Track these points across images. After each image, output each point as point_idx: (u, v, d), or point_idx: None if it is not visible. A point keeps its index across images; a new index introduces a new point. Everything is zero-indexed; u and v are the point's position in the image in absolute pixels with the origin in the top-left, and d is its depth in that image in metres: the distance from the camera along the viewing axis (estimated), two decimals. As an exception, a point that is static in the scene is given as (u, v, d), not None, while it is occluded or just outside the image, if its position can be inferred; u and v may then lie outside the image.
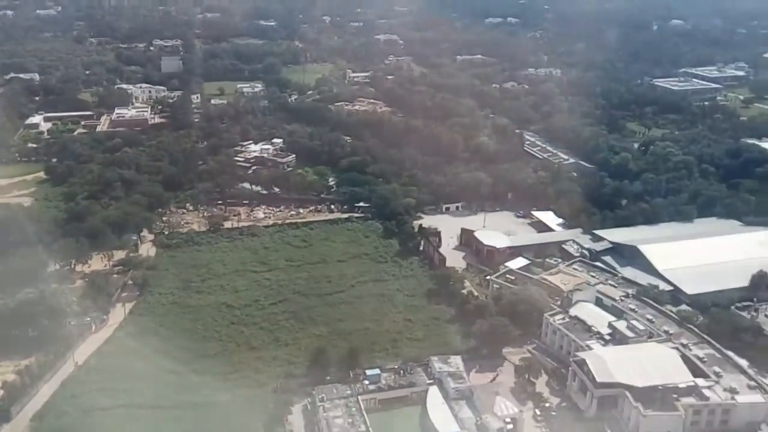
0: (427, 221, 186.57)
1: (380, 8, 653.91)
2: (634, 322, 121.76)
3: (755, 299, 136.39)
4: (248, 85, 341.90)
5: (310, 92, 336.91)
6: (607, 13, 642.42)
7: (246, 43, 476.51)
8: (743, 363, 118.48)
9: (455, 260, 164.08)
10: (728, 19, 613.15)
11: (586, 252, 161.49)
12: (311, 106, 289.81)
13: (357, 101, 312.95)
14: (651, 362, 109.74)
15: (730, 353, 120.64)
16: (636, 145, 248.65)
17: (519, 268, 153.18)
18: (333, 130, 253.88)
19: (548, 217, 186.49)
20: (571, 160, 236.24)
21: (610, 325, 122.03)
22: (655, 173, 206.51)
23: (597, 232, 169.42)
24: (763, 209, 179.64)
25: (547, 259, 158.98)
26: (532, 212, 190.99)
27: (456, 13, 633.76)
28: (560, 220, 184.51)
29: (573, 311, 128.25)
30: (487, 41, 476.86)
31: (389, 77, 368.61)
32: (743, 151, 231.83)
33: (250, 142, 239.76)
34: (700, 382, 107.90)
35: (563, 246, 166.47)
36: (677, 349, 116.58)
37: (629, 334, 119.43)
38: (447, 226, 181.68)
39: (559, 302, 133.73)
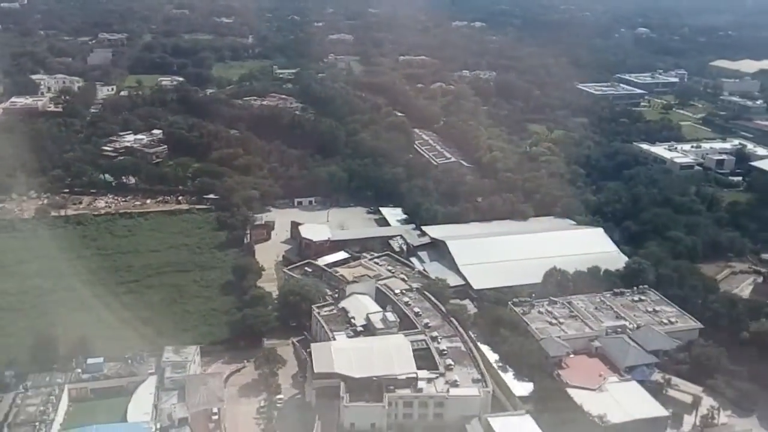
0: (275, 215, 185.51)
1: (352, 10, 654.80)
2: (389, 315, 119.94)
3: (533, 295, 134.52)
4: (169, 78, 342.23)
5: (228, 87, 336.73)
6: (577, 20, 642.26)
7: (193, 38, 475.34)
8: (493, 357, 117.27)
9: (278, 252, 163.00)
10: (696, 28, 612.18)
11: (404, 247, 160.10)
12: (210, 100, 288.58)
13: (269, 96, 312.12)
14: (381, 353, 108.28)
15: (485, 347, 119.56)
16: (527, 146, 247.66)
17: (335, 262, 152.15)
18: (229, 123, 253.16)
19: (393, 213, 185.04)
20: (452, 159, 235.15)
21: (366, 317, 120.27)
22: (519, 173, 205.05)
23: (424, 227, 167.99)
24: (600, 208, 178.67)
25: (364, 254, 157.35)
26: (380, 208, 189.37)
27: (425, 16, 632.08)
28: (404, 216, 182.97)
29: (343, 303, 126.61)
30: (437, 43, 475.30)
31: (320, 75, 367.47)
32: (619, 154, 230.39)
33: (130, 132, 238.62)
34: (423, 374, 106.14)
35: (390, 241, 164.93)
36: (425, 341, 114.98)
37: (380, 325, 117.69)
38: (290, 219, 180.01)
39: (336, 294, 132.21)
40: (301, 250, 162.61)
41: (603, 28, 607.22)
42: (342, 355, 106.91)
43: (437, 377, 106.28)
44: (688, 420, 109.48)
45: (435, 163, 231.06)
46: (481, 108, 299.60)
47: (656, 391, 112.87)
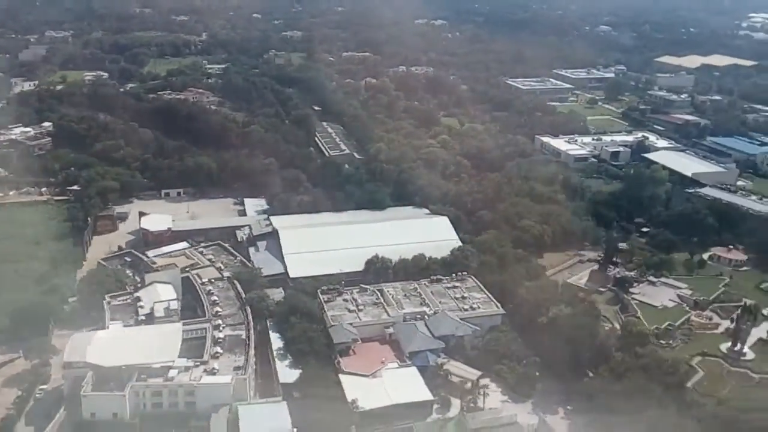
0: (137, 206, 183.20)
1: (319, 8, 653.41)
2: (172, 304, 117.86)
3: (342, 282, 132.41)
4: (94, 74, 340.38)
5: (152, 81, 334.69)
6: (542, 18, 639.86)
7: (135, 35, 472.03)
8: (278, 345, 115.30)
9: (120, 243, 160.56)
10: (658, 25, 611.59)
11: (244, 237, 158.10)
12: (117, 94, 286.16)
13: (186, 91, 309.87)
14: (145, 343, 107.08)
15: (276, 335, 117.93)
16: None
17: (170, 252, 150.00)
18: (131, 116, 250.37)
19: (255, 204, 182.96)
20: (346, 152, 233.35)
21: (152, 307, 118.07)
22: (395, 164, 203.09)
23: (272, 217, 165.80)
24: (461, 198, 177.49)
25: (202, 244, 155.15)
26: (244, 199, 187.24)
27: (392, 13, 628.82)
28: (266, 207, 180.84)
29: (140, 292, 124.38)
30: (388, 40, 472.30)
31: (254, 70, 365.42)
32: (509, 146, 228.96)
33: (19, 125, 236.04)
34: (181, 362, 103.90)
35: (237, 231, 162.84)
36: (205, 330, 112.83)
37: (160, 314, 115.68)
38: (154, 210, 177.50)
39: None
40: (144, 240, 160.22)
41: (566, 26, 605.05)
42: (99, 344, 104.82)
43: (197, 366, 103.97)
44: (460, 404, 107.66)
45: (327, 155, 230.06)
46: (400, 102, 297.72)
47: (436, 376, 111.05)
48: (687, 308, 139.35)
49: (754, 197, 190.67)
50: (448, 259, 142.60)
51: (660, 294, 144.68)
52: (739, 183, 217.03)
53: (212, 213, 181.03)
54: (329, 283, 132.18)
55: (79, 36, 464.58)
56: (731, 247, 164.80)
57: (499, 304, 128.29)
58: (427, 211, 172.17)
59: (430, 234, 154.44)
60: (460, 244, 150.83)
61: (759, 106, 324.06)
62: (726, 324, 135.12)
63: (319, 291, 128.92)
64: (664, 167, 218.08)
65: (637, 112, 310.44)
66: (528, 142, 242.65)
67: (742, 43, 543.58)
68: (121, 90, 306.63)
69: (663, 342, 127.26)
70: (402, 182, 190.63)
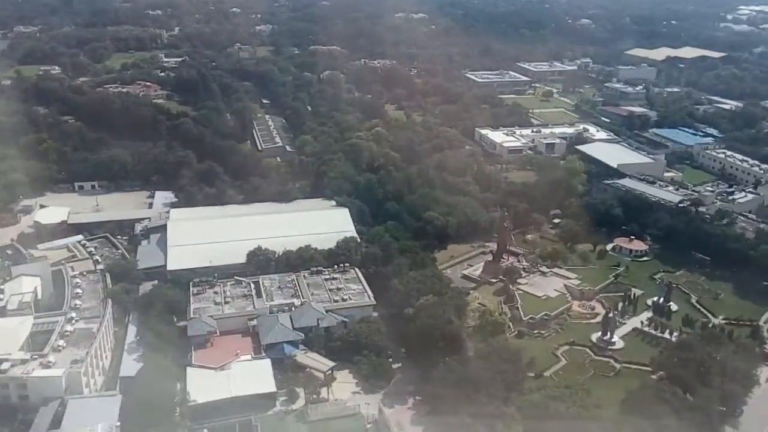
0: (51, 199, 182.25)
1: (303, 2, 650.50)
2: (26, 296, 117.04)
3: (216, 275, 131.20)
4: (49, 68, 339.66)
5: (108, 75, 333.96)
6: (525, 12, 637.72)
7: (111, 29, 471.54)
8: (131, 338, 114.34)
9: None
10: (639, 18, 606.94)
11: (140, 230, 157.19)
12: (60, 88, 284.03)
13: (135, 84, 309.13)
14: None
15: (134, 328, 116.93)
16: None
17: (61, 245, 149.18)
18: (70, 110, 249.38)
19: (164, 196, 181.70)
20: (279, 144, 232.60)
21: (7, 299, 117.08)
22: (317, 156, 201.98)
23: (172, 210, 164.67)
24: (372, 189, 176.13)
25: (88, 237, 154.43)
26: (156, 191, 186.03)
27: (371, 7, 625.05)
28: (175, 199, 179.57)
29: (6, 285, 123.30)
30: (359, 33, 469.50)
31: (213, 63, 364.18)
32: (438, 138, 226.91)
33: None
34: (19, 355, 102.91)
35: (136, 224, 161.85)
36: (55, 323, 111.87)
37: (13, 307, 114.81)
38: (66, 203, 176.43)
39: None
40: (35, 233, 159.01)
41: (547, 19, 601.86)
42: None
43: (34, 359, 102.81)
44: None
45: (260, 148, 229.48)
46: (347, 95, 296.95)
47: (289, 368, 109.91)
48: (569, 298, 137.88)
49: (671, 188, 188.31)
50: (333, 250, 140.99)
51: (548, 284, 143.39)
52: (670, 174, 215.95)
53: (123, 205, 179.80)
54: (206, 276, 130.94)
55: (48, 30, 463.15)
56: (632, 237, 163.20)
57: (371, 295, 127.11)
58: (334, 203, 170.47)
59: (327, 226, 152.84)
60: (355, 235, 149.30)
61: (715, 98, 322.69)
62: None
63: (191, 283, 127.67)
64: (592, 158, 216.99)
65: (588, 104, 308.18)
66: (468, 135, 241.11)
67: (721, 35, 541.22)
68: (71, 84, 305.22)
69: (535, 331, 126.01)
70: (319, 174, 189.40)
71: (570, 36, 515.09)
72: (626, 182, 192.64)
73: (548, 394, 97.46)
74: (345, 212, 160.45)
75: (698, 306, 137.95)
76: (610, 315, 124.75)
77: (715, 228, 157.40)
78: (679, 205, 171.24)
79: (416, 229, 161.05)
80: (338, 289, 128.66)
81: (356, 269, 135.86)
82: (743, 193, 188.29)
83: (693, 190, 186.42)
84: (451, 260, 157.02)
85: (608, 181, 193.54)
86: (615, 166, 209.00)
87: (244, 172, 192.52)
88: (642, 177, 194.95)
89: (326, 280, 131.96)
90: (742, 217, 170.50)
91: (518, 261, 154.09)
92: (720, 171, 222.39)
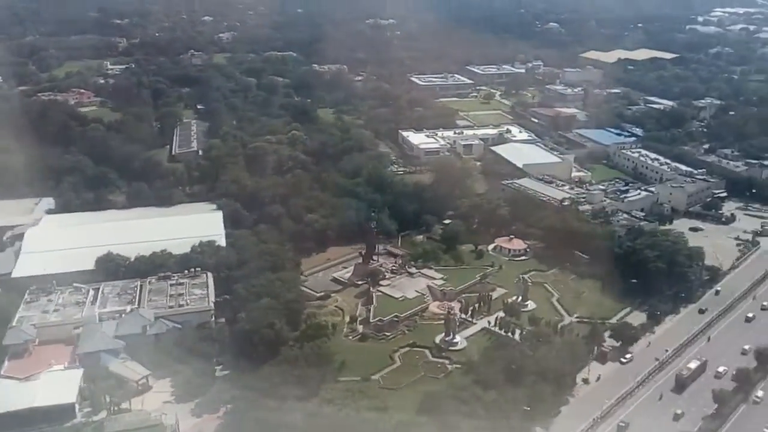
0: None
1: (275, 9, 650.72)
2: None
3: (54, 282, 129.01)
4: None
5: (47, 84, 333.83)
6: (496, 17, 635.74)
7: (74, 39, 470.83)
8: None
9: None
10: (606, 21, 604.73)
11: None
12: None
13: (70, 92, 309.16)
14: None
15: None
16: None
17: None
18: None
19: (48, 203, 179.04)
20: (194, 149, 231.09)
21: None
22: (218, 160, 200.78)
23: (47, 216, 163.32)
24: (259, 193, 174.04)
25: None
26: (42, 198, 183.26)
27: (345, 13, 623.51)
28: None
29: None
30: (321, 39, 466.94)
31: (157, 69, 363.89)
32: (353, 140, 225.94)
33: None
34: None
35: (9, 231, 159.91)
36: None
37: None
38: None
39: None
40: None
41: (515, 24, 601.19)
42: None
43: None
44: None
45: (173, 153, 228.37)
46: (287, 100, 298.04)
47: (103, 377, 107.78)
48: (428, 299, 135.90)
49: (567, 187, 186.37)
50: (187, 255, 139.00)
51: (412, 285, 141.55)
52: (580, 173, 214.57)
53: (7, 213, 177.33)
54: (50, 283, 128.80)
55: (7, 40, 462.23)
56: (512, 237, 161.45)
57: (212, 301, 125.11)
58: (215, 207, 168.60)
59: (194, 230, 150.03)
60: (219, 240, 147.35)
61: (652, 98, 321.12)
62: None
63: (27, 291, 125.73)
64: (502, 159, 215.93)
65: (523, 106, 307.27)
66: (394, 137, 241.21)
67: (683, 36, 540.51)
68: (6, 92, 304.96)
69: (380, 334, 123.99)
70: (211, 178, 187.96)
71: (533, 40, 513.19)
72: (525, 182, 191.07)
73: (336, 397, 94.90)
74: (218, 216, 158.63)
75: (556, 305, 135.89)
76: (451, 316, 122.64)
77: (590, 227, 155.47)
78: (563, 203, 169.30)
79: (294, 232, 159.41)
80: (180, 294, 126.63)
81: (208, 274, 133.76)
82: (637, 192, 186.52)
83: (587, 190, 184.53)
84: (327, 263, 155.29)
85: (506, 182, 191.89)
86: (521, 166, 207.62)
87: (141, 177, 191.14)
88: (541, 177, 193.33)
89: (172, 285, 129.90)
90: (628, 215, 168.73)
91: (395, 263, 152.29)
92: (633, 170, 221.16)
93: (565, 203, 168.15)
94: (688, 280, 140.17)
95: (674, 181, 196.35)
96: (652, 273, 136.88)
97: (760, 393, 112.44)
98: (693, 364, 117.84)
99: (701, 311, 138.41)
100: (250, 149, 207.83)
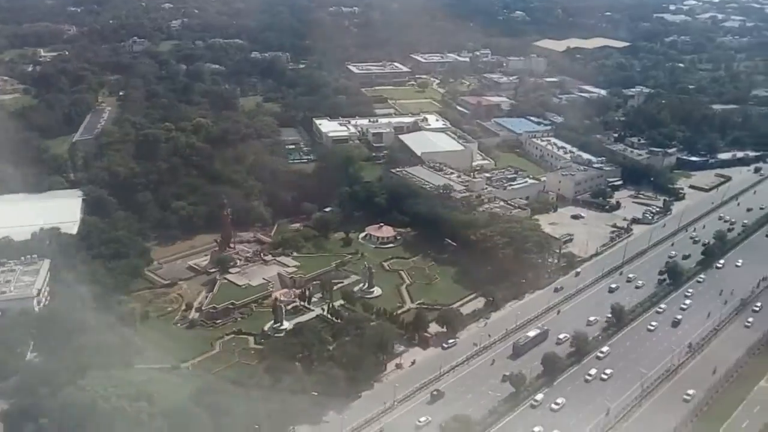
0: None
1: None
2: None
3: None
4: None
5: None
6: (464, 4, 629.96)
7: (29, 26, 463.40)
8: None
9: None
10: (574, 10, 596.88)
11: None
12: None
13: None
14: None
15: None
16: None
17: None
18: None
19: None
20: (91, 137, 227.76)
21: None
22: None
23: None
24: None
25: None
26: None
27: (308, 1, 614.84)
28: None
29: None
30: (266, 26, 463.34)
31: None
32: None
33: None
34: None
35: None
36: None
37: None
38: None
39: None
40: None
41: (478, 13, 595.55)
42: None
43: None
44: None
45: (74, 140, 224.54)
46: (212, 87, 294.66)
47: None
48: (271, 287, 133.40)
49: (454, 176, 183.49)
50: (27, 242, 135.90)
51: (262, 273, 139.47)
52: (484, 162, 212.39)
53: None
54: None
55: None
56: (381, 224, 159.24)
57: (38, 288, 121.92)
58: (81, 193, 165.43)
59: (47, 217, 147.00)
60: (70, 227, 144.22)
61: (587, 87, 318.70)
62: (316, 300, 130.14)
63: None
64: (406, 147, 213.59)
65: (452, 95, 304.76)
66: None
67: (646, 25, 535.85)
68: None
69: (209, 321, 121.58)
70: (89, 165, 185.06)
71: (495, 27, 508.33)
72: (415, 170, 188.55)
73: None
74: (77, 203, 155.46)
75: (404, 291, 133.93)
76: (279, 303, 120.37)
77: (454, 215, 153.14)
78: (442, 191, 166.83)
79: (160, 219, 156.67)
80: (7, 281, 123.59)
81: (45, 261, 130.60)
82: (524, 180, 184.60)
83: (471, 178, 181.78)
84: (190, 250, 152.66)
85: (396, 170, 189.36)
86: (419, 154, 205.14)
87: (22, 164, 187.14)
88: (432, 165, 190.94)
89: (2, 272, 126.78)
90: (505, 203, 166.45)
91: (254, 250, 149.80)
92: (540, 158, 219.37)
93: (441, 192, 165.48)
94: (536, 267, 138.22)
95: (567, 169, 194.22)
96: (500, 260, 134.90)
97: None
98: (532, 333, 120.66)
99: (556, 290, 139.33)
100: (140, 136, 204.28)
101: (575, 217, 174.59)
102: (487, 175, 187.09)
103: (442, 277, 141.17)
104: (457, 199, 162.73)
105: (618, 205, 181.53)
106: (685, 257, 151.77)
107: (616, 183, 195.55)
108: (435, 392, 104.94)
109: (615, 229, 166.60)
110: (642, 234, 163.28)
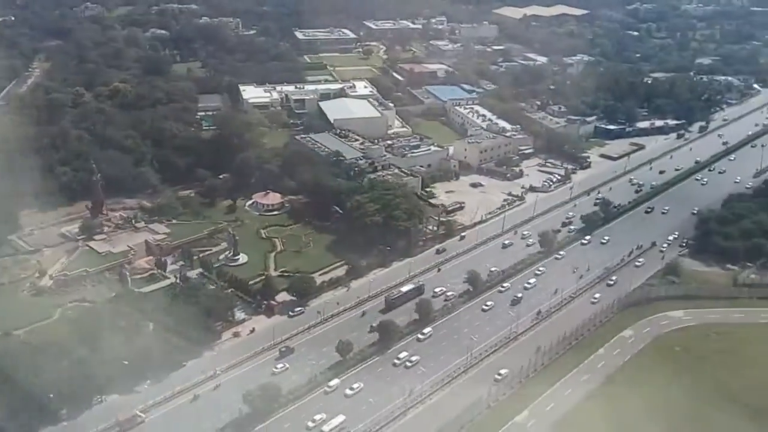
0: None
1: None
2: None
3: None
4: None
5: None
6: None
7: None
8: None
9: None
10: None
11: None
12: None
13: None
14: None
15: None
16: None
17: None
18: None
19: None
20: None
21: None
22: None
23: None
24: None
25: None
26: None
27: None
28: None
29: None
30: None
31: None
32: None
33: None
34: None
35: None
36: None
37: None
38: None
39: None
40: None
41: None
42: None
43: None
44: None
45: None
46: (148, 53, 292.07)
47: None
48: (133, 254, 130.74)
49: (357, 143, 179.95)
50: None
51: (128, 240, 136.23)
52: (403, 129, 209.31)
53: None
54: None
55: None
56: (268, 192, 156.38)
57: None
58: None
59: None
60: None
61: (532, 55, 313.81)
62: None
63: None
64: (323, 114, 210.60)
65: (391, 62, 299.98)
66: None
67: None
68: None
69: (59, 289, 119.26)
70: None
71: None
72: (320, 137, 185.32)
73: None
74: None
75: (271, 259, 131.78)
76: (123, 271, 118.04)
77: (338, 183, 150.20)
78: (333, 158, 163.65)
79: (42, 186, 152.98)
80: None
81: None
82: (427, 148, 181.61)
83: (369, 146, 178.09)
84: (67, 217, 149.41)
85: (301, 136, 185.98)
86: (332, 121, 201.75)
87: None
88: (338, 132, 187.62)
89: None
90: (399, 171, 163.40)
91: (131, 217, 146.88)
92: (461, 125, 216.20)
93: (333, 158, 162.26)
94: (407, 235, 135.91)
95: (475, 137, 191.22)
96: (369, 227, 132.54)
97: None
98: (406, 288, 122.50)
99: (438, 251, 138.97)
100: (45, 101, 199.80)
101: (474, 185, 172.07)
102: (389, 142, 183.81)
103: (317, 244, 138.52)
104: (346, 165, 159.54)
105: (521, 173, 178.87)
106: (564, 225, 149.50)
107: (527, 151, 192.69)
108: (283, 348, 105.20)
109: (509, 197, 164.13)
110: (534, 202, 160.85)
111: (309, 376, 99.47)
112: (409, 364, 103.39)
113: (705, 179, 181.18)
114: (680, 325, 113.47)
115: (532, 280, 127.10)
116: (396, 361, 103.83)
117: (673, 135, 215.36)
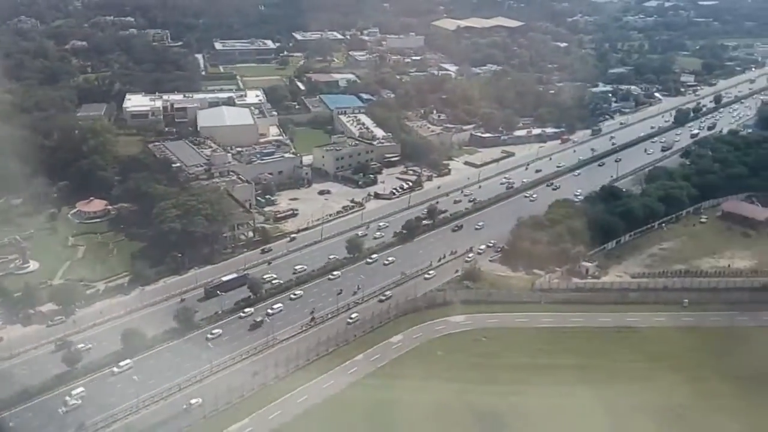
0: None
1: None
2: None
3: None
4: None
5: None
6: None
7: None
8: None
9: None
10: None
11: None
12: None
13: None
14: None
15: None
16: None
17: None
18: None
19: None
20: None
21: None
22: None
23: None
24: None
25: None
26: None
27: None
28: None
29: None
30: (154, 6, 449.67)
31: None
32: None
33: None
34: None
35: None
36: None
37: None
38: None
39: None
40: None
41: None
42: None
43: None
44: None
45: None
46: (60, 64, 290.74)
47: None
48: None
49: (208, 151, 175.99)
50: None
51: None
52: (280, 138, 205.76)
53: None
54: None
55: None
56: (92, 199, 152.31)
57: None
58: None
59: None
60: None
61: (447, 65, 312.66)
62: None
63: None
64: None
65: (300, 72, 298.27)
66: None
67: (566, 6, 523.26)
68: None
69: None
70: None
71: (408, 7, 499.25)
72: (173, 144, 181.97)
73: None
74: None
75: (61, 267, 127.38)
76: None
77: (158, 189, 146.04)
78: (171, 166, 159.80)
79: None
80: None
81: None
82: (279, 156, 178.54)
83: (217, 153, 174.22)
84: None
85: (154, 144, 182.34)
86: (199, 129, 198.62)
87: None
88: (194, 140, 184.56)
89: None
90: (238, 177, 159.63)
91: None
92: (343, 134, 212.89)
93: (166, 167, 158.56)
94: (210, 241, 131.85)
95: (335, 144, 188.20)
96: (169, 233, 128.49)
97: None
98: (227, 278, 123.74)
99: (264, 251, 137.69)
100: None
101: (322, 192, 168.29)
102: (239, 149, 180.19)
103: (124, 252, 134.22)
104: (178, 172, 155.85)
105: (374, 181, 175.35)
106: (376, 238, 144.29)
107: (393, 159, 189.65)
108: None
109: (350, 204, 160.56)
110: (375, 209, 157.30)
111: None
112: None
113: (559, 185, 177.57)
114: (456, 329, 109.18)
115: (324, 285, 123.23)
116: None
117: (556, 142, 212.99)
